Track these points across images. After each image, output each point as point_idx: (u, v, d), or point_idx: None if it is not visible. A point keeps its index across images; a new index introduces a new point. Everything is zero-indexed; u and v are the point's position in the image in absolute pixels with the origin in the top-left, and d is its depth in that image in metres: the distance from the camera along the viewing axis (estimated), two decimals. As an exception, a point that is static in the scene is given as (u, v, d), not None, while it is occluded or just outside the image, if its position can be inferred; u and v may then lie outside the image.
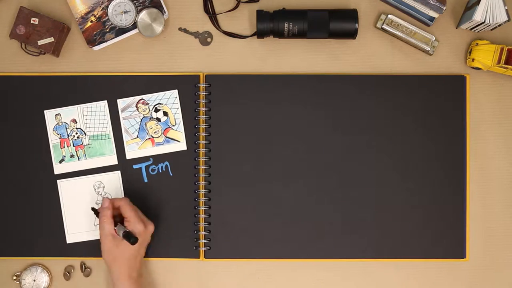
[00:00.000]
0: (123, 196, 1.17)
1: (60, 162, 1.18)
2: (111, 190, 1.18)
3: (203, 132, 1.17)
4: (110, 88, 1.18)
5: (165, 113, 1.18)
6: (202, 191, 1.17)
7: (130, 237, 1.04)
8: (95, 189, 1.18)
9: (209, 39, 1.19)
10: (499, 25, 1.14)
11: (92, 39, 1.17)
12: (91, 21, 1.17)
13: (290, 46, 1.19)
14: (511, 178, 1.19)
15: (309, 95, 1.18)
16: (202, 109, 1.17)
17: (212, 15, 1.19)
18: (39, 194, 1.18)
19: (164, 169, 1.18)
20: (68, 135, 1.18)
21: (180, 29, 1.19)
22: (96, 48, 1.18)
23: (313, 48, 1.19)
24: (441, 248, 1.17)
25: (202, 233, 1.17)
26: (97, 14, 1.17)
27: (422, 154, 1.17)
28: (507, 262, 1.19)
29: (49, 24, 1.15)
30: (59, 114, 1.18)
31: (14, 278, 1.18)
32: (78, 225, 1.17)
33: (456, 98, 1.18)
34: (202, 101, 1.17)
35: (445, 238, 1.17)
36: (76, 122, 1.18)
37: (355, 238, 1.17)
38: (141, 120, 1.18)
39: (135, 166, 1.18)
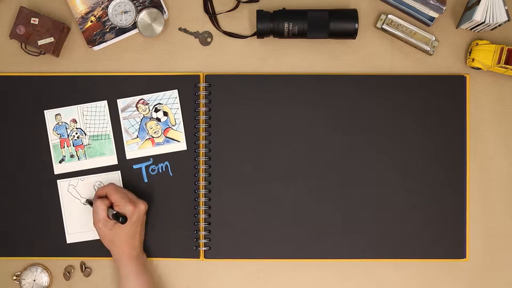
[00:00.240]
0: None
1: (60, 162, 1.18)
2: (111, 190, 1.18)
3: (203, 132, 1.17)
4: (110, 88, 1.18)
5: (165, 113, 1.18)
6: (202, 191, 1.17)
7: (119, 217, 1.08)
8: (95, 189, 1.18)
9: (209, 39, 1.19)
10: (499, 25, 1.14)
11: (92, 39, 1.17)
12: (91, 21, 1.17)
13: (290, 46, 1.19)
14: (511, 178, 1.19)
15: (309, 95, 1.18)
16: (202, 109, 1.18)
17: (212, 15, 1.19)
18: (39, 194, 1.18)
19: (164, 169, 1.18)
20: (68, 135, 1.18)
21: (180, 29, 1.19)
22: (96, 48, 1.18)
23: (313, 48, 1.19)
24: (441, 248, 1.17)
25: (202, 233, 1.17)
26: (97, 14, 1.17)
27: (422, 154, 1.17)
28: (507, 262, 1.19)
29: (49, 24, 1.15)
30: (59, 114, 1.18)
31: (14, 278, 1.18)
32: (78, 225, 1.17)
33: (456, 98, 1.18)
34: (202, 101, 1.17)
35: (445, 238, 1.17)
36: (76, 122, 1.18)
37: (355, 238, 1.17)
38: (141, 120, 1.18)
39: (135, 166, 1.18)
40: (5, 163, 1.18)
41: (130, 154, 1.18)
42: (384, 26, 1.17)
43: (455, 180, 1.17)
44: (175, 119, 1.18)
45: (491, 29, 1.18)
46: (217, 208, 1.17)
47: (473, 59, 1.15)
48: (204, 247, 1.17)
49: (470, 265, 1.18)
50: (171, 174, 1.18)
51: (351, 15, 1.14)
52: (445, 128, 1.18)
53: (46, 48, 1.15)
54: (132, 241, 1.11)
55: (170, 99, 1.18)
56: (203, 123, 1.18)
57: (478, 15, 1.10)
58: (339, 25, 1.14)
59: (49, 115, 1.18)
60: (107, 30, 1.17)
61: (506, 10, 1.10)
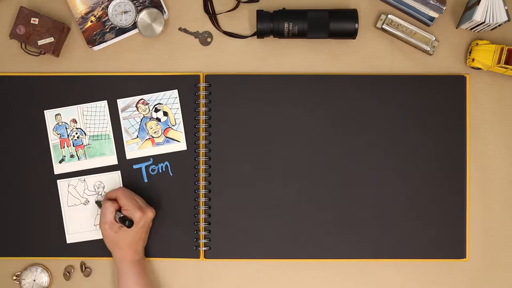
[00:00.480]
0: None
1: (60, 162, 1.18)
2: (111, 190, 1.18)
3: (203, 132, 1.17)
4: (110, 88, 1.18)
5: (165, 113, 1.18)
6: (202, 191, 1.17)
7: (126, 221, 1.08)
8: (95, 189, 1.18)
9: (209, 39, 1.19)
10: (499, 25, 1.14)
11: (92, 39, 1.17)
12: (91, 21, 1.17)
13: (290, 46, 1.19)
14: (511, 178, 1.19)
15: (309, 95, 1.18)
16: (202, 109, 1.18)
17: (212, 15, 1.19)
18: (39, 194, 1.18)
19: (164, 169, 1.18)
20: (68, 135, 1.18)
21: (180, 29, 1.19)
22: (96, 48, 1.18)
23: (313, 48, 1.19)
24: (441, 248, 1.17)
25: (202, 233, 1.17)
26: (97, 14, 1.17)
27: (422, 154, 1.17)
28: (507, 262, 1.19)
29: (49, 24, 1.15)
30: (59, 114, 1.18)
31: (14, 278, 1.18)
32: (78, 225, 1.17)
33: (456, 98, 1.18)
34: (202, 101, 1.17)
35: (445, 238, 1.17)
36: (76, 122, 1.18)
37: (355, 238, 1.17)
38: (141, 120, 1.18)
39: (135, 166, 1.18)
40: (5, 163, 1.18)
41: (130, 154, 1.18)
42: (384, 26, 1.17)
43: (455, 180, 1.17)
44: (175, 119, 1.18)
45: (491, 29, 1.18)
46: (217, 208, 1.17)
47: (473, 59, 1.15)
48: (204, 247, 1.17)
49: (470, 265, 1.18)
50: (171, 174, 1.18)
51: (351, 15, 1.14)
52: (445, 128, 1.18)
53: (46, 48, 1.15)
54: (135, 245, 1.12)
55: (170, 99, 1.18)
56: (203, 123, 1.18)
57: (478, 15, 1.10)
58: (339, 25, 1.14)
59: (49, 115, 1.18)
60: (107, 30, 1.17)
61: (506, 10, 1.10)
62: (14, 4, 1.19)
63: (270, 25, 1.14)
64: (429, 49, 1.17)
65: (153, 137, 1.18)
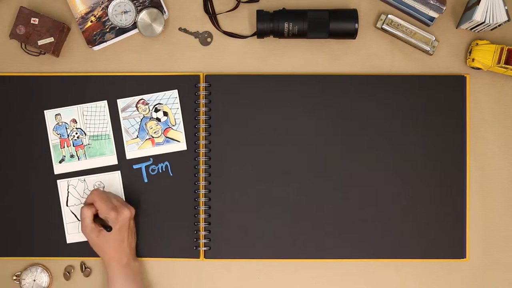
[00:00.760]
0: (124, 197, 1.17)
1: (60, 162, 1.18)
2: (111, 190, 1.18)
3: (203, 132, 1.17)
4: (110, 88, 1.18)
5: (165, 113, 1.18)
6: (202, 191, 1.17)
7: (104, 225, 1.09)
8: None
9: (209, 39, 1.19)
10: (499, 25, 1.14)
11: (92, 39, 1.17)
12: (91, 21, 1.17)
13: (290, 46, 1.19)
14: (511, 178, 1.19)
15: (309, 95, 1.18)
16: (202, 109, 1.18)
17: (212, 15, 1.19)
18: (39, 194, 1.18)
19: (164, 169, 1.18)
20: (68, 135, 1.18)
21: (180, 29, 1.19)
22: (96, 48, 1.18)
23: (313, 48, 1.19)
24: (441, 248, 1.17)
25: (202, 233, 1.17)
26: (97, 14, 1.17)
27: (422, 154, 1.17)
28: (507, 262, 1.19)
29: (49, 24, 1.15)
30: (59, 114, 1.18)
31: (14, 278, 1.18)
32: (78, 225, 1.17)
33: (456, 98, 1.18)
34: (202, 101, 1.17)
35: (445, 238, 1.17)
36: (76, 122, 1.18)
37: (355, 238, 1.17)
38: (141, 120, 1.18)
39: (135, 166, 1.18)
40: (5, 163, 1.18)
41: (130, 154, 1.18)
42: (384, 26, 1.17)
43: (455, 180, 1.17)
44: (175, 119, 1.18)
45: (491, 29, 1.18)
46: (217, 208, 1.17)
47: (473, 59, 1.15)
48: (204, 247, 1.17)
49: (470, 265, 1.18)
50: (171, 174, 1.18)
51: (351, 15, 1.14)
52: (445, 128, 1.18)
53: (46, 48, 1.15)
54: (120, 247, 1.11)
55: (170, 99, 1.18)
56: (203, 123, 1.18)
57: (478, 15, 1.10)
58: (339, 25, 1.14)
59: (49, 115, 1.18)
60: (107, 30, 1.17)
61: (506, 10, 1.10)
62: (14, 4, 1.19)
63: (270, 25, 1.14)
64: (429, 49, 1.17)
65: (153, 137, 1.18)
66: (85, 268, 1.19)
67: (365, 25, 1.19)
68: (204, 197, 1.17)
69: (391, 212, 1.17)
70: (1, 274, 1.19)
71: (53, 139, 1.18)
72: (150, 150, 1.18)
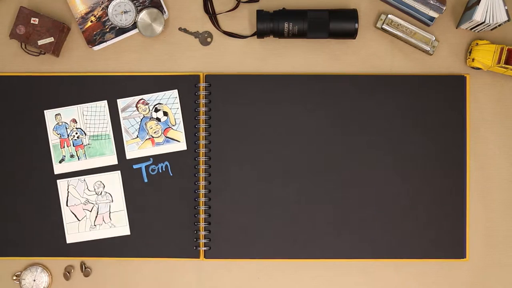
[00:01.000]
0: (124, 197, 1.17)
1: (60, 162, 1.18)
2: (111, 190, 1.18)
3: (203, 132, 1.18)
4: (110, 88, 1.18)
5: (165, 113, 1.18)
6: (202, 191, 1.17)
7: None
8: (95, 189, 1.18)
9: (209, 39, 1.19)
10: (499, 25, 1.14)
11: (92, 39, 1.17)
12: (91, 21, 1.17)
13: (290, 46, 1.19)
14: (511, 178, 1.19)
15: (309, 95, 1.18)
16: (202, 109, 1.18)
17: (212, 15, 1.19)
18: (39, 194, 1.18)
19: (164, 169, 1.18)
20: (68, 135, 1.18)
21: (180, 29, 1.19)
22: (96, 48, 1.18)
23: (313, 48, 1.19)
24: (441, 248, 1.17)
25: (202, 233, 1.17)
26: (97, 14, 1.17)
27: (422, 154, 1.17)
28: (507, 262, 1.19)
29: (49, 24, 1.15)
30: (59, 114, 1.18)
31: (14, 278, 1.18)
32: (78, 225, 1.17)
33: (456, 98, 1.18)
34: (202, 101, 1.17)
35: (445, 238, 1.17)
36: (76, 122, 1.18)
37: (355, 238, 1.17)
38: (141, 120, 1.18)
39: (135, 166, 1.18)
40: (5, 163, 1.18)
41: (130, 154, 1.18)
42: (384, 26, 1.17)
43: (455, 180, 1.17)
44: (175, 119, 1.18)
45: (491, 29, 1.18)
46: (217, 208, 1.17)
47: (473, 59, 1.15)
48: (204, 247, 1.17)
49: (470, 265, 1.18)
50: (171, 174, 1.18)
51: (351, 15, 1.14)
52: (445, 128, 1.18)
53: (46, 48, 1.15)
54: None
55: (170, 99, 1.18)
56: (203, 123, 1.18)
57: (478, 15, 1.10)
58: (339, 25, 1.14)
59: (49, 115, 1.18)
60: (107, 30, 1.17)
61: (506, 10, 1.10)
62: (14, 4, 1.19)
63: (270, 25, 1.14)
64: (429, 49, 1.17)
65: (153, 137, 1.18)
66: (85, 268, 1.19)
67: (365, 25, 1.19)
68: (204, 197, 1.17)
69: (391, 212, 1.17)
70: (1, 274, 1.19)
71: (53, 139, 1.18)
72: (150, 150, 1.18)
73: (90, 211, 1.18)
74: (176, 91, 1.18)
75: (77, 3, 1.17)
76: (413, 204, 1.17)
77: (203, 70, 1.19)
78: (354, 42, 1.19)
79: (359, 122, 1.17)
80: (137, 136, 1.18)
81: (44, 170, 1.18)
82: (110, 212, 1.18)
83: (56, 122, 1.18)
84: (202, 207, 1.17)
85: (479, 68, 1.16)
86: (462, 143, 1.18)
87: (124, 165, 1.18)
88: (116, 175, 1.18)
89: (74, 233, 1.18)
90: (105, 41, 1.17)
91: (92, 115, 1.18)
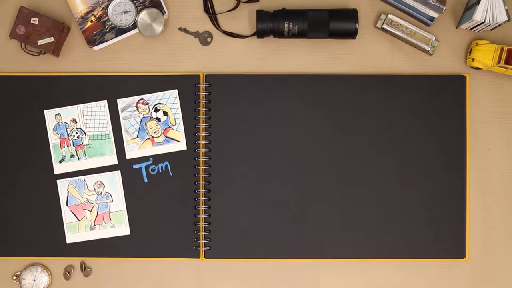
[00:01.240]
0: (124, 197, 1.17)
1: (60, 162, 1.18)
2: (111, 190, 1.18)
3: (203, 132, 1.17)
4: (110, 88, 1.18)
5: (165, 113, 1.18)
6: (202, 191, 1.17)
7: None
8: (95, 189, 1.18)
9: (209, 39, 1.19)
10: (499, 25, 1.14)
11: (92, 39, 1.17)
12: (91, 21, 1.17)
13: (290, 46, 1.19)
14: (511, 178, 1.19)
15: (309, 95, 1.18)
16: (202, 109, 1.18)
17: (212, 15, 1.19)
18: (39, 194, 1.18)
19: (164, 169, 1.18)
20: (68, 135, 1.18)
21: (180, 29, 1.19)
22: (96, 48, 1.18)
23: (313, 48, 1.19)
24: (441, 248, 1.17)
25: (202, 233, 1.17)
26: (97, 14, 1.17)
27: (422, 154, 1.17)
28: (507, 262, 1.19)
29: (49, 24, 1.15)
30: (59, 114, 1.18)
31: (14, 278, 1.18)
32: (78, 225, 1.17)
33: (456, 98, 1.18)
34: (202, 101, 1.17)
35: (445, 238, 1.17)
36: (76, 122, 1.18)
37: (355, 238, 1.17)
38: (141, 120, 1.18)
39: (135, 166, 1.18)
40: (5, 163, 1.18)
41: (130, 154, 1.18)
42: (384, 26, 1.17)
43: (455, 180, 1.17)
44: (175, 119, 1.18)
45: (491, 29, 1.18)
46: (217, 208, 1.17)
47: (473, 59, 1.15)
48: (204, 247, 1.17)
49: (470, 265, 1.18)
50: (171, 174, 1.18)
51: (351, 15, 1.14)
52: (445, 128, 1.18)
53: (46, 48, 1.15)
54: None
55: (170, 99, 1.18)
56: (203, 123, 1.18)
57: (478, 15, 1.10)
58: (339, 25, 1.14)
59: (49, 115, 1.18)
60: (107, 30, 1.17)
61: (506, 10, 1.10)
62: (14, 4, 1.19)
63: (270, 25, 1.14)
64: (429, 49, 1.17)
65: (153, 137, 1.18)
66: (85, 268, 1.19)
67: (365, 25, 1.19)
68: (204, 197, 1.17)
69: (391, 212, 1.17)
70: (1, 274, 1.19)
71: (53, 139, 1.18)
72: (150, 150, 1.18)
73: (90, 211, 1.18)
74: (176, 91, 1.18)
75: (77, 3, 1.17)
76: (413, 204, 1.17)
77: (203, 70, 1.19)
78: (354, 42, 1.19)
79: (359, 122, 1.17)
80: (137, 136, 1.18)
81: (44, 170, 1.18)
82: (110, 212, 1.18)
83: (56, 122, 1.18)
84: (202, 207, 1.17)
85: (479, 68, 1.16)
86: (462, 143, 1.18)
87: (124, 165, 1.18)
88: (116, 175, 1.18)
89: (74, 233, 1.18)
90: (105, 41, 1.17)
91: (92, 115, 1.18)
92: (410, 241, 1.17)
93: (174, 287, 1.19)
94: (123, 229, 1.18)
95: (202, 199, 1.17)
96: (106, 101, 1.18)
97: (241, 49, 1.19)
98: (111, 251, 1.17)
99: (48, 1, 1.19)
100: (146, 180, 1.18)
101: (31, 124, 1.18)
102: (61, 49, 1.19)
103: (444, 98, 1.18)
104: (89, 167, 1.18)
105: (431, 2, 1.13)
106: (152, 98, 1.18)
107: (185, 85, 1.18)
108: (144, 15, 1.16)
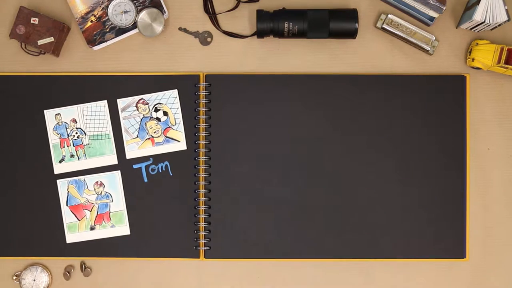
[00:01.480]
0: (124, 197, 1.17)
1: (60, 162, 1.18)
2: (111, 190, 1.18)
3: (203, 132, 1.17)
4: (110, 88, 1.18)
5: (165, 113, 1.18)
6: (202, 191, 1.17)
7: None
8: (95, 189, 1.18)
9: (209, 39, 1.19)
10: (499, 25, 1.14)
11: (92, 39, 1.17)
12: (91, 21, 1.17)
13: (290, 46, 1.19)
14: (511, 178, 1.19)
15: (309, 95, 1.18)
16: (202, 109, 1.18)
17: (212, 15, 1.19)
18: (39, 194, 1.18)
19: (164, 169, 1.18)
20: (68, 135, 1.18)
21: (180, 29, 1.19)
22: (96, 48, 1.18)
23: (313, 48, 1.19)
24: (441, 248, 1.17)
25: (202, 233, 1.17)
26: (97, 14, 1.17)
27: (422, 154, 1.17)
28: (507, 262, 1.19)
29: (49, 24, 1.15)
30: (59, 114, 1.18)
31: (14, 278, 1.18)
32: (78, 225, 1.17)
33: (456, 98, 1.18)
34: (202, 101, 1.17)
35: (445, 238, 1.17)
36: (76, 122, 1.18)
37: (355, 238, 1.17)
38: (141, 120, 1.18)
39: (135, 166, 1.18)
40: (5, 163, 1.18)
41: (130, 154, 1.18)
42: (384, 26, 1.17)
43: (455, 180, 1.17)
44: (175, 119, 1.18)
45: (491, 29, 1.18)
46: (217, 208, 1.17)
47: (473, 59, 1.15)
48: (204, 247, 1.17)
49: (470, 265, 1.18)
50: (171, 174, 1.18)
51: (351, 15, 1.14)
52: (445, 128, 1.18)
53: (46, 48, 1.15)
54: None
55: (170, 99, 1.18)
56: (203, 123, 1.18)
57: (478, 15, 1.10)
58: (339, 25, 1.14)
59: (49, 115, 1.18)
60: (107, 30, 1.17)
61: (506, 10, 1.10)
62: (14, 4, 1.19)
63: (270, 25, 1.14)
64: (429, 49, 1.17)
65: (153, 136, 1.18)
66: (85, 268, 1.19)
67: (365, 25, 1.19)
68: (204, 197, 1.17)
69: (391, 212, 1.17)
70: (1, 274, 1.19)
71: (53, 139, 1.18)
72: (150, 150, 1.18)
73: (90, 211, 1.18)
74: (176, 91, 1.18)
75: (77, 3, 1.17)
76: (413, 204, 1.17)
77: (203, 70, 1.19)
78: (354, 42, 1.19)
79: (359, 122, 1.17)
80: (137, 136, 1.18)
81: (44, 170, 1.18)
82: (110, 212, 1.18)
83: (56, 122, 1.18)
84: (202, 207, 1.17)
85: (479, 68, 1.16)
86: (462, 143, 1.18)
87: (124, 165, 1.18)
88: (116, 175, 1.18)
89: (74, 233, 1.18)
90: (105, 41, 1.18)
91: (92, 115, 1.18)
92: (410, 241, 1.17)
93: (174, 287, 1.19)
94: (123, 229, 1.18)
95: (202, 199, 1.17)
96: (106, 101, 1.18)
97: (241, 49, 1.19)
98: (111, 251, 1.17)
99: (48, 1, 1.19)
100: (146, 180, 1.18)
101: (31, 124, 1.18)
102: (61, 49, 1.19)
103: (444, 98, 1.18)
104: (89, 167, 1.18)
105: (431, 2, 1.13)
106: (152, 98, 1.18)
107: (185, 85, 1.18)
108: (144, 15, 1.16)
